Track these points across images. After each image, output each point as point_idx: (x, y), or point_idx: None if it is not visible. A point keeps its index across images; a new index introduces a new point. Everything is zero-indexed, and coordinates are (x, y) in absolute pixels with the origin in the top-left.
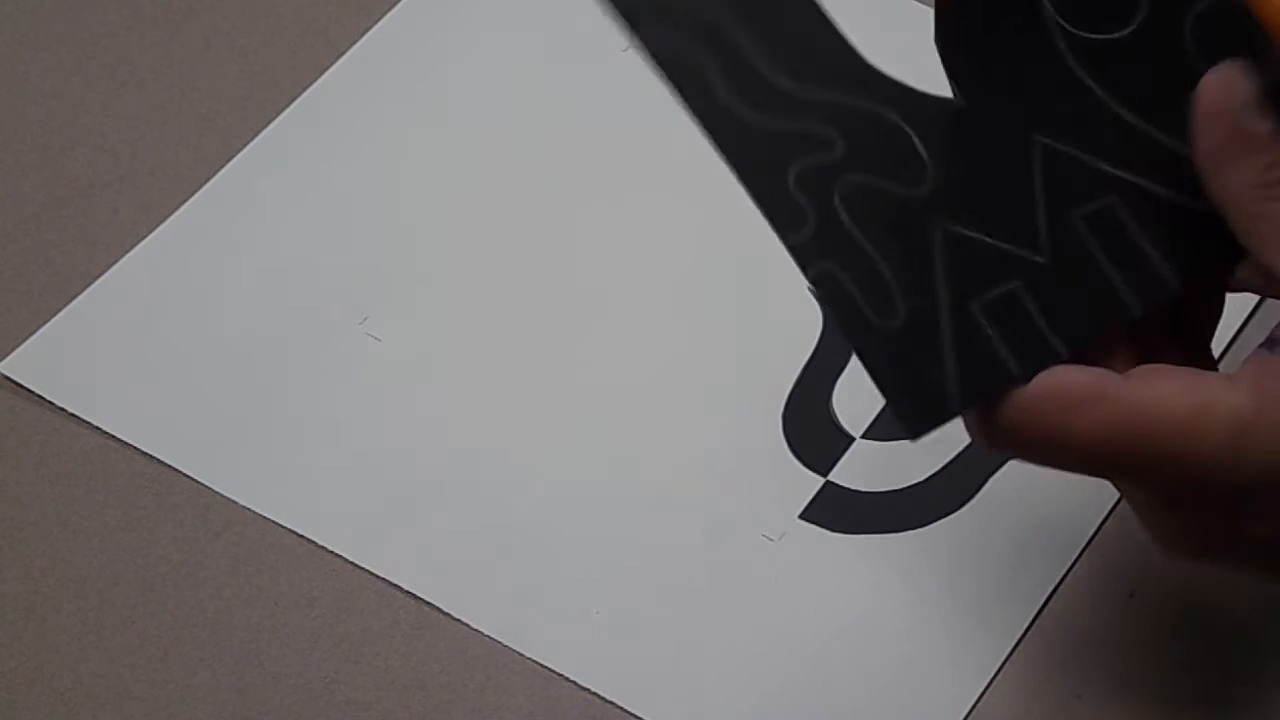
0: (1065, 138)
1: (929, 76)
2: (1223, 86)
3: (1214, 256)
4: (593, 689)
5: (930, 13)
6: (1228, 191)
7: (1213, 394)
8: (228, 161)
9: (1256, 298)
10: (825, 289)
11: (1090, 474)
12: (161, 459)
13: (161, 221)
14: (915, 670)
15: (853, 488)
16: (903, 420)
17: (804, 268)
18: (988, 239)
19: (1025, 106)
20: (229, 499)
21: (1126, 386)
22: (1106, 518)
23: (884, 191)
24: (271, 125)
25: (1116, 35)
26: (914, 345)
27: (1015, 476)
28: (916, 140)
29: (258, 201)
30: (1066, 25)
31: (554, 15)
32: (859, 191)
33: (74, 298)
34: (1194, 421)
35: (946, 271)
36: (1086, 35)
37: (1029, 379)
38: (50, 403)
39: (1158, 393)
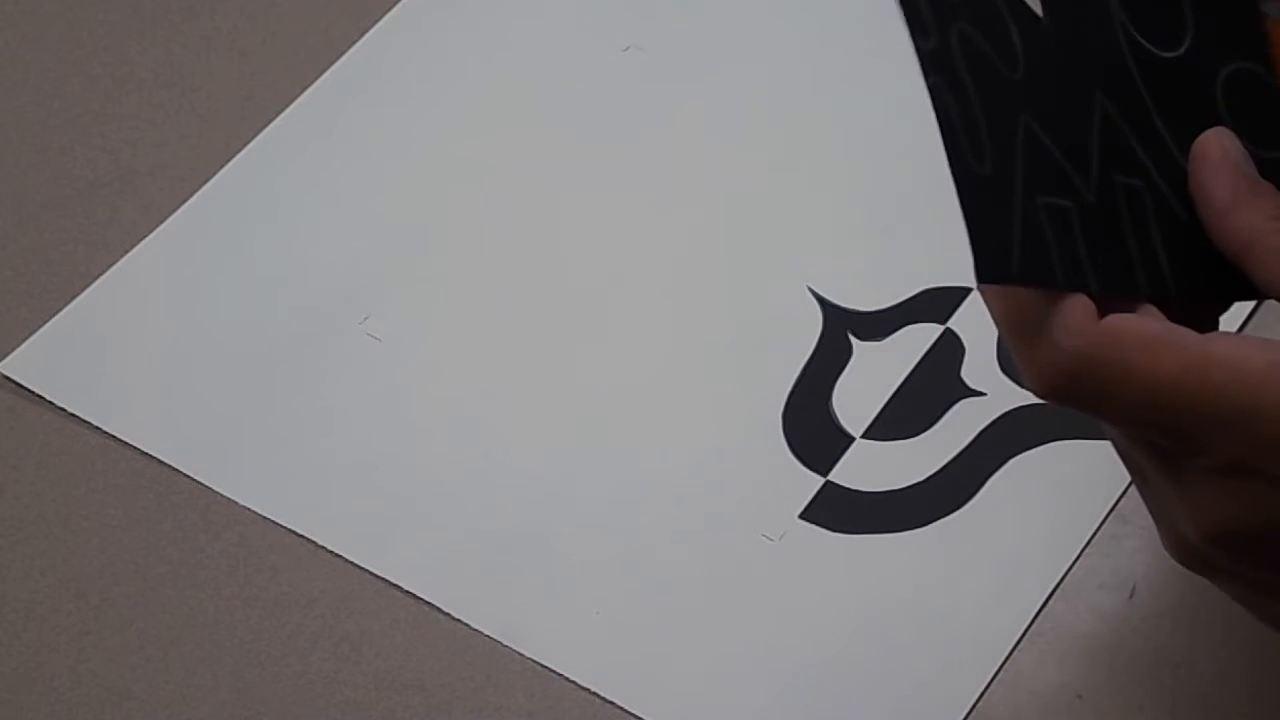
0: (1116, 109)
1: None
2: (1223, 141)
3: (1213, 291)
4: (593, 689)
5: None
6: (1245, 230)
7: None
8: (228, 161)
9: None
10: (936, 101)
11: (1145, 427)
12: (161, 459)
13: (161, 221)
14: (915, 670)
15: (853, 488)
16: (975, 261)
17: (924, 73)
18: (1055, 150)
19: (1091, 63)
20: (229, 499)
21: (1203, 338)
22: (1106, 517)
23: (988, 58)
24: (271, 125)
25: (1165, 54)
26: (994, 200)
27: (1015, 476)
28: (1012, 27)
29: (258, 201)
30: (1129, 24)
31: (554, 15)
32: (971, 45)
33: (74, 298)
34: (1271, 374)
35: (1023, 158)
36: (1141, 40)
37: (1068, 290)
38: (50, 403)
39: (1235, 346)
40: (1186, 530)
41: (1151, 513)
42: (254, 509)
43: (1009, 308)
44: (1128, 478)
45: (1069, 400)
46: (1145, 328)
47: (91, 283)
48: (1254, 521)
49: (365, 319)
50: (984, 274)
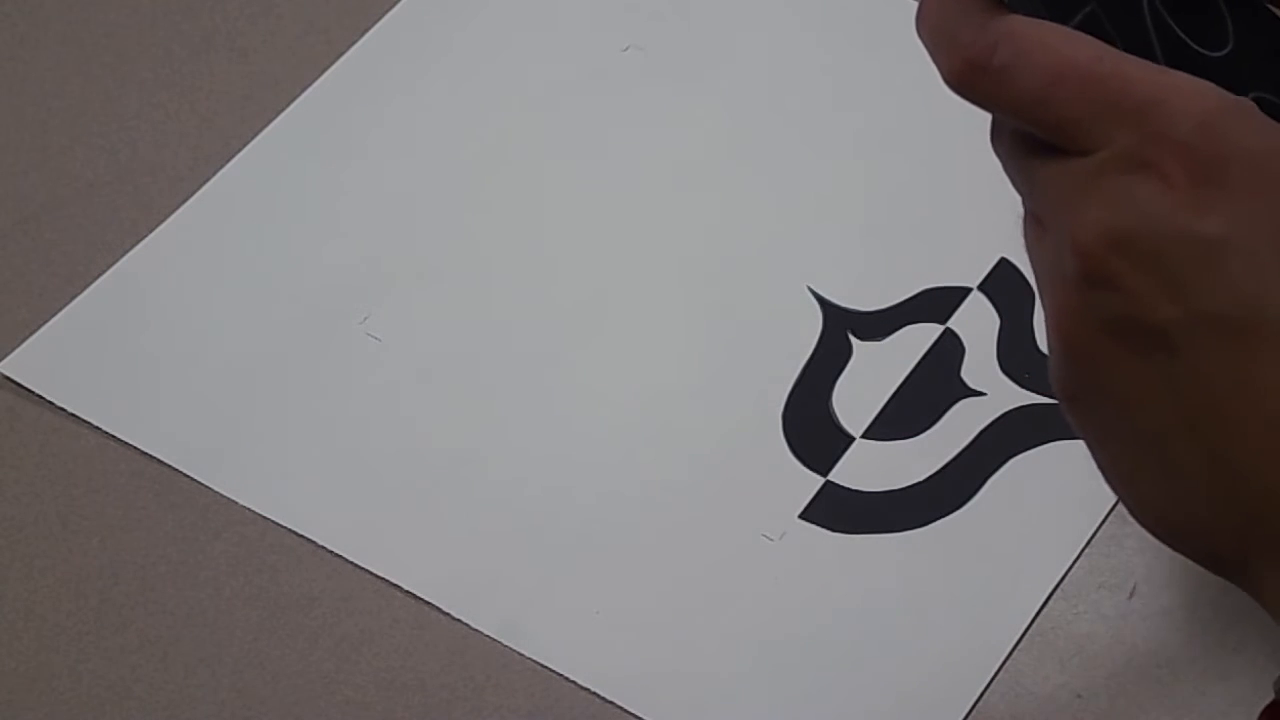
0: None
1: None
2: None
3: None
4: (593, 689)
5: None
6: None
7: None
8: (228, 161)
9: None
10: None
11: (1048, 112)
12: (161, 459)
13: (161, 221)
14: (915, 670)
15: (853, 488)
16: None
17: None
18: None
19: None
20: (229, 499)
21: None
22: (1106, 517)
23: None
24: (271, 125)
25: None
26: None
27: (1015, 476)
28: None
29: (258, 201)
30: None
31: (554, 15)
32: None
33: (74, 298)
34: (1182, 78)
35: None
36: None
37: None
38: (50, 403)
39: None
40: (1082, 236)
41: (1034, 266)
42: (254, 509)
43: (933, 9)
44: None
45: (976, 84)
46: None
47: (91, 283)
48: (1142, 226)
49: (365, 319)
50: None
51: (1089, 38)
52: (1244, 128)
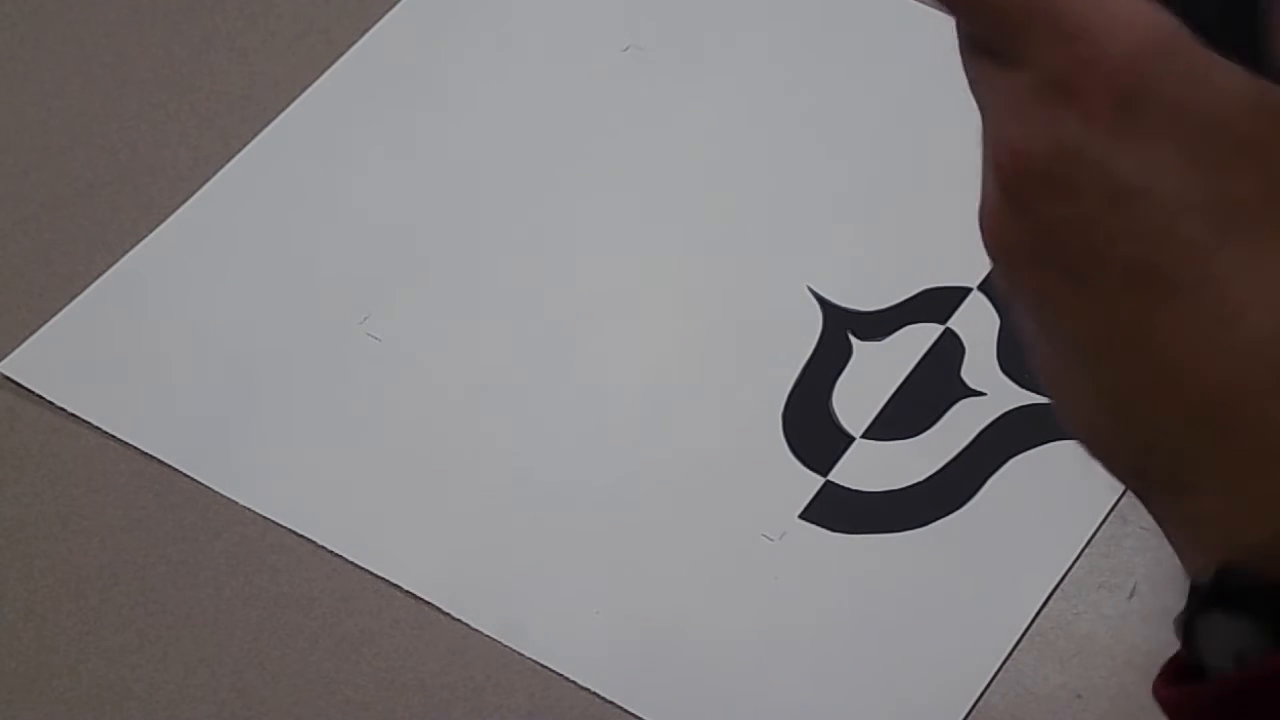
0: None
1: (928, 76)
2: None
3: None
4: (593, 689)
5: (930, 13)
6: None
7: None
8: (228, 161)
9: None
10: None
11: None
12: (161, 459)
13: (161, 221)
14: (915, 670)
15: (853, 488)
16: None
17: None
18: None
19: None
20: (229, 499)
21: None
22: (1106, 517)
23: None
24: (271, 125)
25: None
26: None
27: (1015, 476)
28: None
29: (258, 201)
30: None
31: (554, 15)
32: None
33: (74, 298)
34: (1122, 6)
35: None
36: None
37: None
38: (50, 403)
39: None
40: (1001, 154)
41: (983, 160)
42: (254, 509)
43: None
44: None
45: None
46: None
47: (91, 283)
48: (1057, 154)
49: (365, 319)
50: None
51: None
52: (1176, 66)
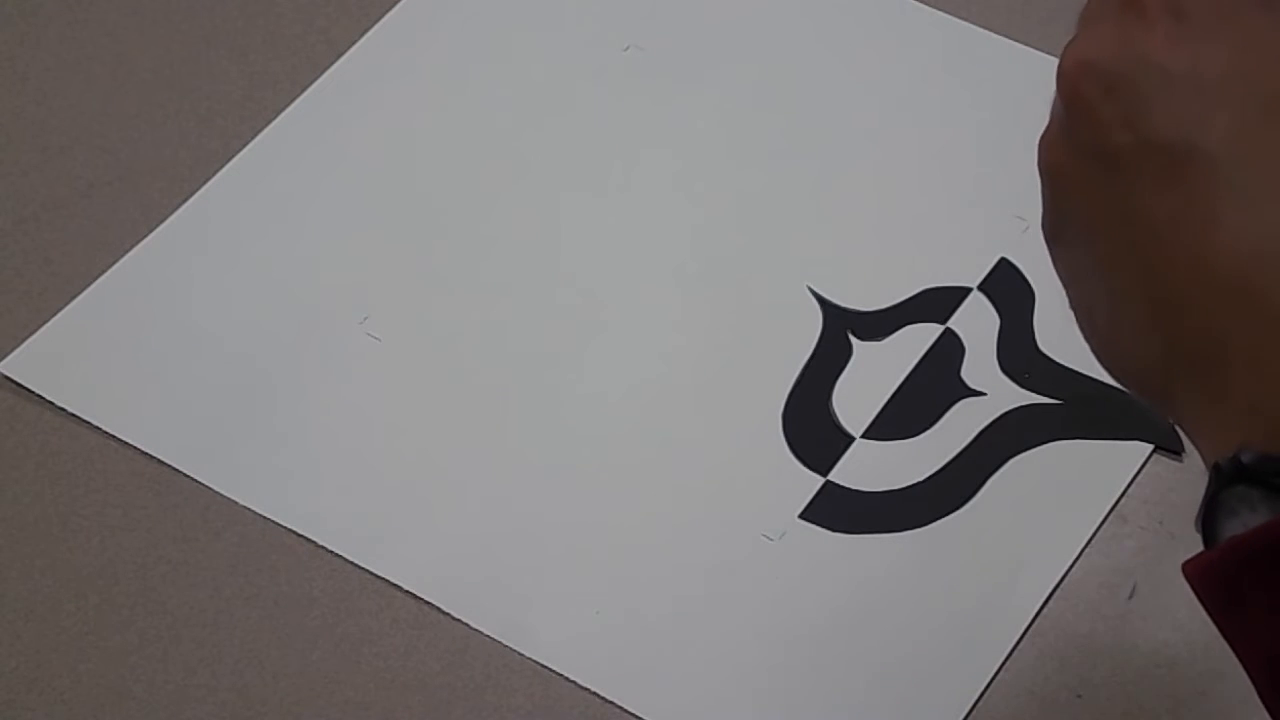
0: None
1: (928, 75)
2: None
3: None
4: (593, 689)
5: (930, 13)
6: None
7: None
8: (228, 161)
9: None
10: None
11: None
12: (161, 459)
13: (161, 221)
14: (915, 670)
15: (853, 488)
16: None
17: None
18: None
19: None
20: (229, 499)
21: None
22: (1106, 517)
23: None
24: (271, 125)
25: None
26: None
27: (1015, 476)
28: None
29: (258, 201)
30: None
31: (554, 15)
32: None
33: (74, 298)
34: None
35: None
36: None
37: None
38: (50, 403)
39: None
40: (1065, 63)
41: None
42: (254, 509)
43: None
44: (1128, 478)
45: None
46: None
47: (91, 283)
48: (1114, 56)
49: (365, 319)
50: None
51: None
52: None
